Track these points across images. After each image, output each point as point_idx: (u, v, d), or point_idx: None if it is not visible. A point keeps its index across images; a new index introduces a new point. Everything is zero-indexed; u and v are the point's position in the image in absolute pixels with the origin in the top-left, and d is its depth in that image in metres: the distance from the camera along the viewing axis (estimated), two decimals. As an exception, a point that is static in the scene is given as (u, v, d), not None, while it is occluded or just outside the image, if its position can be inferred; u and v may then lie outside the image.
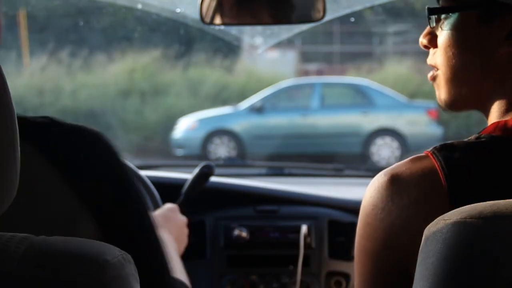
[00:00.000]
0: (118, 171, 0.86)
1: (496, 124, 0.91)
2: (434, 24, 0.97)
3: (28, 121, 0.83)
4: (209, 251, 1.93)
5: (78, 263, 0.66)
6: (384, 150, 8.32)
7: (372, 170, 2.78)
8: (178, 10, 2.54)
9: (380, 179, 0.90)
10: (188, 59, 9.86)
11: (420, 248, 0.77)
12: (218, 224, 1.93)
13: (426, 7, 0.96)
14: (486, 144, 0.88)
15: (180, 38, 9.06)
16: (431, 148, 0.89)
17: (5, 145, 0.65)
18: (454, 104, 0.97)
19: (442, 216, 0.76)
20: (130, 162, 1.73)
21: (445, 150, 0.87)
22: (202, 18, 1.51)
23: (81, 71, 9.49)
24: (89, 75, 9.53)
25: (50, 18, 8.57)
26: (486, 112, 0.95)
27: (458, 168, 0.86)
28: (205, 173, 1.81)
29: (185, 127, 8.61)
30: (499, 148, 0.87)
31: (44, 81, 9.34)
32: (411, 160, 0.89)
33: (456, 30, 0.93)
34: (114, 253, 0.69)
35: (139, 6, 2.69)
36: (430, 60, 0.99)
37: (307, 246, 1.88)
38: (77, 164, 0.82)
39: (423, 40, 0.99)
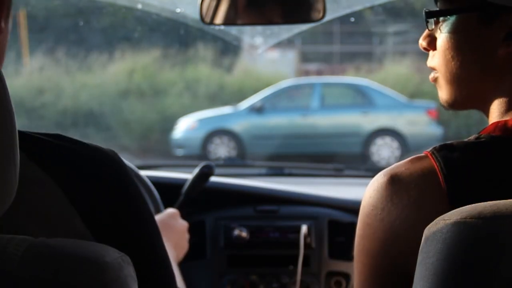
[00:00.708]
0: (129, 199, 0.85)
1: (496, 124, 0.91)
2: (433, 27, 0.97)
3: (35, 139, 0.81)
4: (209, 251, 1.93)
5: (77, 264, 0.66)
6: (384, 150, 8.32)
7: (372, 170, 2.78)
8: (178, 10, 2.54)
9: (379, 179, 0.90)
10: (188, 59, 9.86)
11: (420, 248, 0.77)
12: (218, 224, 1.93)
13: (424, 11, 0.97)
14: (485, 144, 0.88)
15: (180, 38, 9.07)
16: (430, 148, 0.89)
17: (5, 147, 0.65)
18: (455, 104, 0.98)
19: (442, 216, 0.76)
20: (130, 162, 1.73)
21: (445, 150, 0.88)
22: (202, 18, 1.51)
23: (81, 71, 9.49)
24: (89, 75, 9.54)
25: (50, 18, 8.57)
26: (486, 112, 0.96)
27: (457, 168, 0.86)
28: (205, 173, 1.81)
29: (185, 127, 8.61)
30: (498, 148, 0.87)
31: (44, 81, 9.35)
32: (411, 161, 0.90)
33: (455, 33, 0.93)
34: (113, 254, 0.69)
35: (139, 6, 2.69)
36: (429, 63, 0.99)
37: (307, 246, 1.87)
38: (85, 190, 0.81)
39: (422, 43, 1.00)
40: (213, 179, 1.88)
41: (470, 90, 0.95)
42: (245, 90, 9.35)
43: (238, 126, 8.52)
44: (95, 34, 9.03)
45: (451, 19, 0.93)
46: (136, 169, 1.73)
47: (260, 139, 8.39)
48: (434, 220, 0.76)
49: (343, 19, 2.75)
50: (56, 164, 0.80)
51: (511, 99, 0.92)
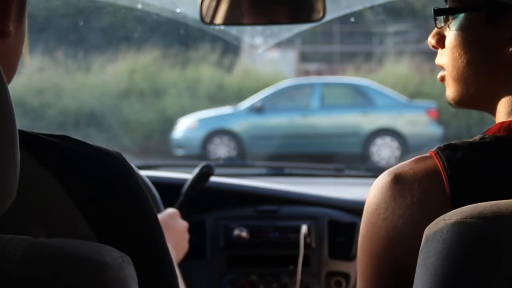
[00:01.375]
0: (135, 202, 0.84)
1: (500, 124, 0.91)
2: (442, 25, 0.97)
3: (41, 140, 0.81)
4: (209, 251, 1.93)
5: (77, 265, 0.66)
6: (384, 150, 8.32)
7: (372, 170, 2.78)
8: (178, 10, 2.54)
9: (383, 179, 0.91)
10: (188, 59, 9.86)
11: (420, 248, 0.78)
12: (218, 224, 1.93)
13: (433, 8, 0.97)
14: (490, 144, 0.88)
15: (180, 38, 9.07)
16: (435, 148, 0.89)
17: (5, 147, 0.65)
18: (462, 102, 0.98)
19: (442, 216, 0.76)
20: (130, 162, 1.73)
21: (449, 150, 0.88)
22: (202, 18, 1.51)
23: (81, 71, 9.49)
24: (89, 75, 9.54)
25: (50, 18, 8.57)
26: (493, 112, 0.96)
27: (461, 169, 0.86)
28: (205, 173, 1.81)
29: (185, 127, 8.61)
30: (503, 149, 0.87)
31: (44, 81, 9.35)
32: (415, 160, 0.90)
33: (463, 31, 0.93)
34: (113, 254, 0.69)
35: (139, 6, 2.69)
36: (438, 60, 1.00)
37: (307, 246, 1.87)
38: (90, 192, 0.80)
39: (431, 40, 1.00)
40: (213, 179, 1.88)
41: (476, 88, 0.95)
42: (245, 90, 9.35)
43: (238, 126, 8.52)
44: (95, 34, 9.03)
45: (460, 17, 0.94)
46: (136, 169, 1.73)
47: (260, 139, 8.40)
48: (434, 220, 0.76)
49: (343, 19, 2.75)
50: (61, 165, 0.80)
51: None
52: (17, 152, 0.67)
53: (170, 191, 1.80)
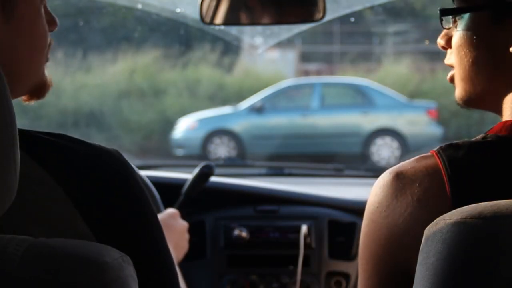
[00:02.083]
0: (135, 201, 0.84)
1: (503, 124, 0.91)
2: (450, 25, 0.98)
3: (39, 139, 0.81)
4: (209, 251, 1.93)
5: (77, 265, 0.66)
6: (384, 150, 8.32)
7: (372, 170, 2.78)
8: (178, 10, 2.54)
9: (385, 177, 0.91)
10: (188, 59, 9.86)
11: (420, 248, 0.78)
12: (218, 224, 1.93)
13: (439, 9, 0.97)
14: (491, 144, 0.88)
15: (180, 38, 9.07)
16: (437, 148, 0.90)
17: (5, 147, 0.65)
18: (469, 101, 0.98)
19: (442, 216, 0.76)
20: (130, 162, 1.73)
21: (450, 150, 0.88)
22: (202, 18, 1.51)
23: (81, 71, 9.49)
24: (89, 75, 9.54)
25: (50, 18, 8.56)
26: (500, 112, 0.96)
27: (462, 168, 0.86)
28: (205, 173, 1.81)
29: (185, 127, 8.61)
30: (504, 148, 0.88)
31: (44, 81, 9.32)
32: (417, 159, 0.90)
33: (468, 30, 0.94)
34: (113, 254, 0.69)
35: (139, 6, 2.69)
36: (447, 60, 1.01)
37: (307, 246, 1.87)
38: (88, 190, 0.80)
39: (440, 41, 1.01)
40: (213, 179, 1.88)
41: (483, 88, 0.95)
42: (245, 90, 9.35)
43: (238, 126, 8.52)
44: (95, 34, 9.03)
45: (465, 17, 0.94)
46: (136, 169, 1.73)
47: (260, 139, 8.39)
48: (434, 220, 0.76)
49: (343, 19, 2.75)
50: (58, 164, 0.79)
51: None
52: (17, 152, 0.67)
53: (170, 191, 1.80)
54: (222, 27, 2.42)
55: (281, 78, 9.45)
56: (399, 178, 0.89)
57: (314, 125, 8.56)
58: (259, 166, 2.98)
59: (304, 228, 1.88)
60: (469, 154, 0.87)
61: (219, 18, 1.50)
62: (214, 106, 9.15)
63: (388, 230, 0.89)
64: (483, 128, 0.94)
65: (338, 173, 2.57)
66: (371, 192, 0.93)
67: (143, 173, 1.77)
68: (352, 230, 1.93)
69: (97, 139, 8.27)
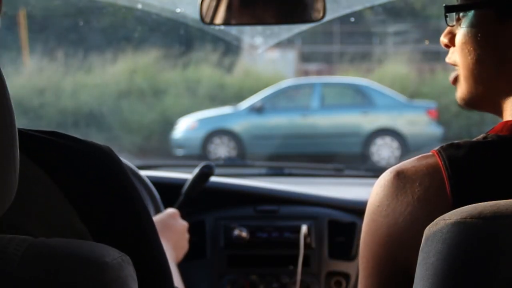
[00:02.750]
0: (126, 197, 0.84)
1: (504, 124, 0.91)
2: (454, 23, 0.97)
3: (32, 137, 0.81)
4: (209, 251, 1.93)
5: (77, 265, 0.66)
6: (384, 150, 8.32)
7: (372, 170, 2.78)
8: (178, 10, 2.54)
9: (386, 176, 0.91)
10: (188, 59, 9.86)
11: (420, 248, 0.78)
12: (218, 224, 1.93)
13: (444, 6, 0.97)
14: (492, 143, 0.88)
15: (180, 38, 9.07)
16: (438, 147, 0.90)
17: (5, 147, 0.65)
18: (471, 102, 0.98)
19: (442, 216, 0.76)
20: (130, 162, 1.73)
21: (451, 149, 0.88)
22: (202, 18, 1.51)
23: (81, 71, 9.49)
24: (89, 75, 9.53)
25: (50, 18, 8.57)
26: (500, 113, 0.96)
27: (462, 168, 0.86)
28: (205, 173, 1.81)
29: (185, 127, 8.61)
30: (505, 148, 0.87)
31: (44, 81, 9.34)
32: (417, 159, 0.91)
33: (472, 28, 0.94)
34: (113, 254, 0.69)
35: (139, 6, 2.69)
36: (449, 59, 1.00)
37: (307, 246, 1.88)
38: (82, 187, 0.80)
39: (443, 39, 1.00)
40: (213, 179, 1.88)
41: (486, 86, 0.95)
42: (245, 90, 9.35)
43: (238, 126, 8.52)
44: (95, 34, 9.03)
45: (470, 14, 0.94)
46: (136, 169, 1.73)
47: (260, 139, 8.39)
48: (434, 220, 0.76)
49: (343, 19, 2.75)
50: (52, 161, 0.80)
51: None
52: (17, 152, 0.67)
53: (170, 191, 1.80)
54: (222, 27, 2.42)
55: (281, 78, 9.45)
56: (400, 177, 0.89)
57: (314, 125, 8.56)
58: (259, 166, 2.98)
59: (304, 228, 1.88)
60: (470, 154, 0.87)
61: (219, 18, 1.50)
62: (214, 106, 9.15)
63: (388, 229, 0.89)
64: (483, 128, 0.94)
65: (338, 173, 2.57)
66: (372, 191, 0.93)
67: (143, 173, 1.77)
68: (352, 230, 1.93)
69: (97, 139, 8.21)
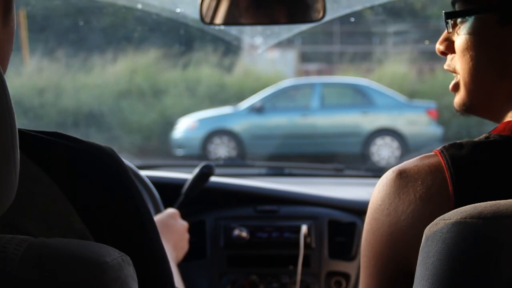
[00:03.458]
0: (127, 197, 0.84)
1: (506, 124, 0.91)
2: (451, 30, 0.97)
3: (33, 137, 0.81)
4: (209, 251, 1.93)
5: (77, 265, 0.66)
6: (384, 150, 8.32)
7: (372, 170, 2.78)
8: (178, 10, 2.54)
9: (388, 175, 0.92)
10: (188, 59, 9.86)
11: (420, 248, 0.78)
12: (218, 224, 1.93)
13: (443, 12, 0.96)
14: (494, 143, 0.88)
15: (180, 38, 9.07)
16: (440, 147, 0.90)
17: (5, 147, 0.65)
18: (471, 107, 0.98)
19: (442, 216, 0.76)
20: (130, 162, 1.73)
21: (453, 149, 0.88)
22: (202, 18, 1.51)
23: (81, 71, 9.49)
24: (89, 75, 9.53)
25: (50, 18, 8.57)
26: (499, 119, 0.95)
27: (464, 167, 0.86)
28: (205, 173, 1.81)
29: (185, 127, 8.61)
30: (507, 148, 0.88)
31: (44, 81, 9.34)
32: (420, 158, 0.91)
33: (473, 34, 0.93)
34: (113, 254, 0.69)
35: (139, 6, 2.69)
36: (448, 66, 0.99)
37: (307, 246, 1.88)
38: (83, 187, 0.80)
39: (439, 47, 0.99)
40: (213, 179, 1.88)
41: (487, 92, 0.95)
42: (245, 90, 9.35)
43: (238, 126, 8.52)
44: (95, 34, 9.02)
45: (470, 20, 0.93)
46: (136, 169, 1.73)
47: (260, 139, 8.40)
48: (435, 220, 0.77)
49: (343, 19, 2.75)
50: (52, 161, 0.80)
51: None
52: (17, 152, 0.67)
53: (170, 191, 1.80)
54: (222, 27, 2.42)
55: (281, 78, 9.45)
56: (402, 176, 0.89)
57: (314, 125, 8.56)
58: (259, 166, 2.98)
59: (304, 228, 1.88)
60: (472, 154, 0.87)
61: (219, 18, 1.50)
62: (214, 106, 9.15)
63: (390, 227, 0.89)
64: (483, 129, 0.94)
65: (338, 173, 2.57)
66: (374, 190, 0.93)
67: (143, 173, 1.77)
68: (352, 230, 1.93)
69: (97, 139, 8.24)
